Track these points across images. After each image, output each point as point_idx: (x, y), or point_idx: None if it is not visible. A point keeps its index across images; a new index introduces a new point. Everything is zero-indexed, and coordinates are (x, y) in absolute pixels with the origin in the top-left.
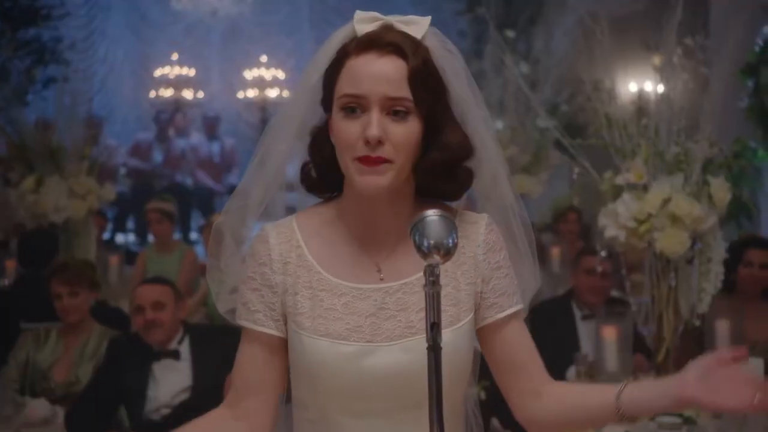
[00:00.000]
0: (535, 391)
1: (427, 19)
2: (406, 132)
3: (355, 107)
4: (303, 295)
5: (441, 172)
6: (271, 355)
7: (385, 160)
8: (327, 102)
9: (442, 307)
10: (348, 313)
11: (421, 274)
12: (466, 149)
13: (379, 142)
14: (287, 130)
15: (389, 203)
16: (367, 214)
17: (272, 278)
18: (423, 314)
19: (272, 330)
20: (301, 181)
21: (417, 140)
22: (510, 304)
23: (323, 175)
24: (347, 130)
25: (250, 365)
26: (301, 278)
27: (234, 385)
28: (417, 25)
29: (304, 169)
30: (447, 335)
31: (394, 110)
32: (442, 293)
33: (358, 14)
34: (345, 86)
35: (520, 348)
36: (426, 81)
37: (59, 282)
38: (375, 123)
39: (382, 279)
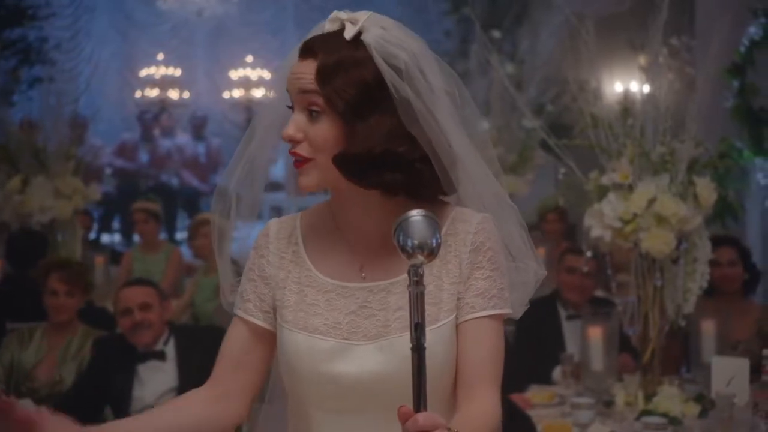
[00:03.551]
0: (457, 402)
1: (365, 15)
2: (319, 130)
3: (292, 106)
4: (290, 290)
5: (362, 165)
6: (254, 343)
7: (304, 158)
8: None
9: None
10: (329, 309)
11: (406, 274)
12: (392, 140)
13: (292, 140)
14: (263, 129)
15: (372, 203)
16: (351, 214)
17: (267, 270)
18: (399, 314)
19: (260, 321)
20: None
21: (335, 138)
22: (484, 306)
23: None
24: None
25: (233, 348)
26: (292, 273)
27: (216, 367)
28: (352, 26)
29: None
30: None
31: (309, 110)
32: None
33: (332, 14)
34: None
35: (469, 354)
36: (334, 77)
37: (58, 279)
38: (290, 122)
39: (364, 278)
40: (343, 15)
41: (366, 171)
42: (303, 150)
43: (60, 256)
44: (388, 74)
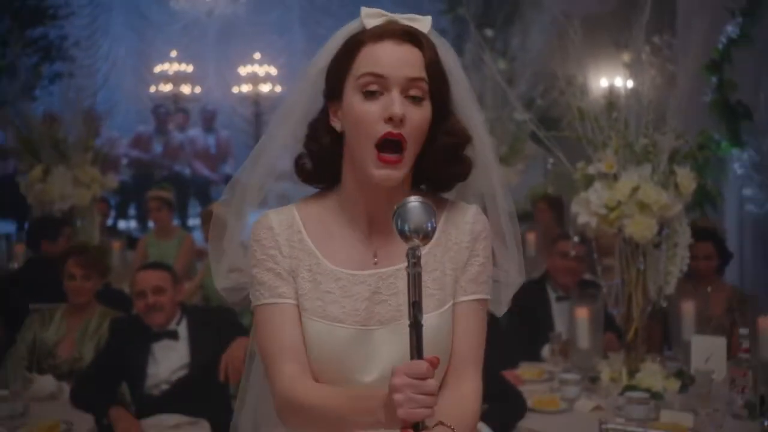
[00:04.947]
0: (444, 379)
1: (428, 18)
2: (421, 115)
3: (376, 89)
4: (303, 278)
5: (445, 158)
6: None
7: (404, 141)
8: (334, 90)
9: (431, 291)
10: (345, 297)
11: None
12: (467, 136)
13: (401, 121)
14: (287, 121)
15: (388, 192)
16: (367, 203)
17: (282, 262)
18: None
19: (296, 302)
20: (297, 173)
21: (429, 125)
22: (475, 291)
23: (320, 166)
24: (368, 111)
25: (287, 327)
26: (303, 261)
27: (282, 350)
28: (421, 23)
29: (299, 162)
30: (434, 318)
31: (410, 94)
32: (431, 278)
33: (365, 10)
34: (365, 67)
35: (461, 335)
36: (439, 69)
37: (75, 263)
38: (398, 102)
39: (376, 263)
40: (384, 12)
41: (447, 162)
42: (406, 132)
43: (79, 241)
44: (450, 69)
